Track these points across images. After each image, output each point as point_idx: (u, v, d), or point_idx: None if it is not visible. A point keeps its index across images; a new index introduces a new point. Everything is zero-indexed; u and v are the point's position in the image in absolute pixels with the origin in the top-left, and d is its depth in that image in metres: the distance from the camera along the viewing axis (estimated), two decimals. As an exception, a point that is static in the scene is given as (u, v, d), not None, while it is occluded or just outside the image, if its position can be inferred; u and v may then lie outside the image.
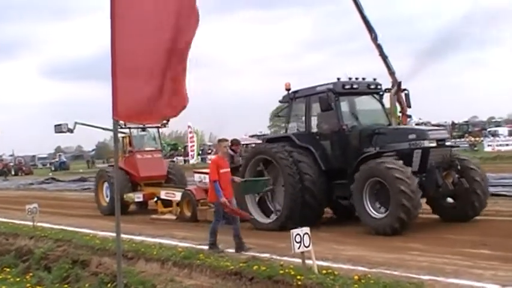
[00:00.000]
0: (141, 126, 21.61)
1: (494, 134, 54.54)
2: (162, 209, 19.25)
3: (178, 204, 18.42)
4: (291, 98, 15.59)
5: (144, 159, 21.25)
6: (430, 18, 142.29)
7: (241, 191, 13.46)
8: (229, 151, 15.93)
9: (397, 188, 11.98)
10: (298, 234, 8.60)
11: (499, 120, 74.39)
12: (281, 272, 8.57)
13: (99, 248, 12.21)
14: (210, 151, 49.17)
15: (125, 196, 19.78)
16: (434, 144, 13.35)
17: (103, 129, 23.35)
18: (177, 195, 18.71)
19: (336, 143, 14.48)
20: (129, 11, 6.63)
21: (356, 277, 8.07)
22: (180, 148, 72.09)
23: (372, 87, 15.12)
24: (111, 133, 16.20)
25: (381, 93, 15.46)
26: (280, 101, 16.53)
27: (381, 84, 15.34)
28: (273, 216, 14.58)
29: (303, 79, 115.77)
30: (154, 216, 19.00)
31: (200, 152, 49.29)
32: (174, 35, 6.72)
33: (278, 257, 10.44)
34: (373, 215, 12.77)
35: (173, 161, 36.99)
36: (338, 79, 14.58)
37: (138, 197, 20.29)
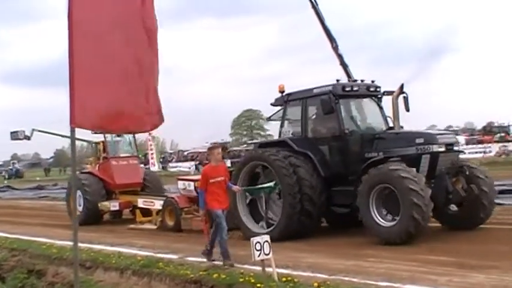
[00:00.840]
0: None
1: None
2: (141, 219, 18.55)
3: (158, 213, 17.79)
4: (285, 100, 14.91)
5: (119, 165, 20.38)
6: (389, 29, 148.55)
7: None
8: None
9: (410, 200, 11.41)
10: (258, 242, 8.74)
11: (456, 129, 76.20)
12: (241, 280, 8.74)
13: (56, 257, 12.20)
14: (171, 159, 49.16)
15: (99, 204, 19.25)
16: (443, 149, 12.84)
17: (62, 136, 22.46)
18: (157, 204, 18.05)
19: (336, 147, 13.88)
20: (86, 16, 6.60)
21: (316, 284, 8.24)
22: (141, 156, 71.46)
23: (372, 89, 14.55)
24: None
25: (379, 96, 14.84)
26: (272, 104, 15.60)
27: (379, 87, 14.74)
28: (263, 224, 13.85)
29: (266, 86, 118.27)
30: (132, 225, 18.22)
31: (161, 160, 49.41)
32: (135, 45, 6.79)
33: (238, 265, 10.44)
34: (380, 223, 12.21)
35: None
36: (337, 81, 14.05)
37: (114, 205, 19.44)
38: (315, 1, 16.61)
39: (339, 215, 13.98)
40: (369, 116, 14.68)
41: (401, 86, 14.19)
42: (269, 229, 13.30)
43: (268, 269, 8.90)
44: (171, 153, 64.58)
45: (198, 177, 17.01)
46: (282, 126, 14.91)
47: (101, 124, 7.26)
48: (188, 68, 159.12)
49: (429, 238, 12.35)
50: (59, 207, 26.02)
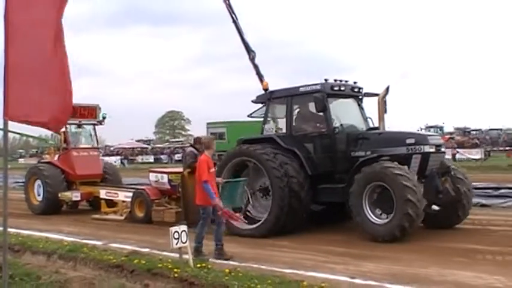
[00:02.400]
0: (77, 122, 20.70)
1: None
2: (105, 209, 18.62)
3: (125, 204, 17.88)
4: (268, 98, 15.06)
5: (80, 156, 20.36)
6: (300, 45, 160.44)
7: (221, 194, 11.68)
8: (194, 150, 15.79)
9: (404, 196, 11.57)
10: (176, 231, 9.33)
11: None
12: (160, 265, 9.32)
13: None
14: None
15: (60, 195, 19.29)
16: (433, 150, 13.08)
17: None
18: (121, 195, 18.24)
19: (323, 145, 13.92)
20: (20, 20, 7.31)
21: (227, 270, 8.91)
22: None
23: (355, 90, 14.77)
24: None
25: (361, 97, 15.07)
26: (253, 101, 15.64)
27: (362, 88, 14.97)
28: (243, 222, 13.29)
29: (188, 91, 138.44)
30: (96, 216, 18.22)
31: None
32: (53, 45, 7.47)
33: (157, 252, 11.08)
34: (373, 220, 12.30)
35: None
36: (326, 80, 14.04)
37: (75, 195, 19.44)
38: (235, 16, 17.45)
39: (317, 213, 14.25)
40: (352, 115, 14.79)
41: (387, 88, 14.63)
42: (255, 225, 13.46)
43: (184, 256, 9.49)
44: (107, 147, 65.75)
45: (170, 169, 18.03)
46: (264, 123, 15.01)
47: (27, 118, 7.76)
48: (120, 71, 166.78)
49: (330, 231, 13.45)
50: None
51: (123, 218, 17.48)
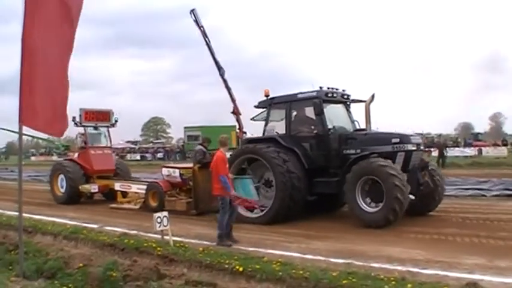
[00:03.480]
0: (94, 125, 22.69)
1: None
2: (121, 199, 20.62)
3: (138, 194, 19.71)
4: (269, 103, 16.19)
5: (96, 154, 22.38)
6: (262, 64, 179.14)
7: (236, 188, 12.94)
8: (203, 148, 17.70)
9: (392, 182, 12.70)
10: (159, 216, 10.89)
11: None
12: (145, 244, 10.72)
13: (5, 223, 14.35)
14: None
15: (80, 187, 21.27)
16: (415, 148, 14.25)
17: (12, 131, 24.40)
18: (133, 187, 20.22)
19: (319, 144, 15.00)
20: (35, 40, 8.30)
21: (201, 249, 10.35)
22: (71, 148, 76.49)
23: (345, 97, 16.04)
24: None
25: (348, 102, 16.36)
26: (256, 106, 16.94)
27: (350, 95, 16.24)
28: (257, 211, 14.79)
29: (169, 101, 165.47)
30: (113, 205, 20.13)
31: None
32: (65, 62, 8.85)
33: (144, 233, 12.64)
34: (366, 209, 13.38)
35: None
36: (321, 87, 15.29)
37: (94, 188, 21.39)
38: (208, 39, 19.35)
39: (311, 202, 15.57)
40: (342, 118, 16.05)
41: (373, 95, 15.51)
42: (261, 214, 14.71)
43: (166, 237, 10.95)
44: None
45: (182, 165, 20.13)
46: (266, 125, 16.26)
47: (43, 128, 9.18)
48: (114, 83, 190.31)
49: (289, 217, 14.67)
50: (8, 185, 29.85)
51: (137, 207, 19.17)
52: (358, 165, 13.64)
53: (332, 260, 9.91)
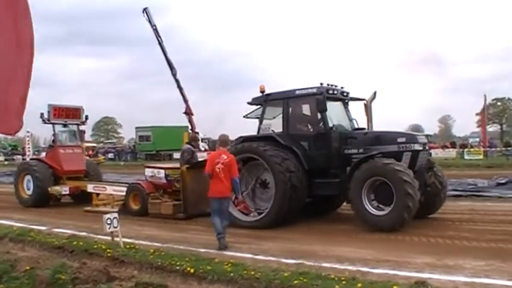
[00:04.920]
0: (63, 122, 21.53)
1: None
2: (96, 202, 19.37)
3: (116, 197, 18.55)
4: (265, 100, 15.31)
5: (66, 154, 21.11)
6: (218, 64, 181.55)
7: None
8: (191, 147, 16.98)
9: (405, 190, 12.11)
10: (109, 217, 10.75)
11: None
12: (95, 246, 10.61)
13: None
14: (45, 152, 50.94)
15: (49, 189, 20.05)
16: (421, 148, 13.69)
17: None
18: (109, 189, 19.08)
19: (319, 143, 14.32)
20: None
21: (152, 250, 10.27)
22: (19, 148, 79.05)
23: (345, 94, 15.33)
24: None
25: (347, 100, 15.64)
26: (249, 103, 15.87)
27: (349, 93, 15.51)
28: (255, 214, 14.34)
29: (120, 100, 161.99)
30: (88, 208, 18.72)
31: (36, 153, 52.77)
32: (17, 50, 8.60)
33: (93, 235, 12.50)
34: (372, 212, 12.78)
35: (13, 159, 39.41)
36: (321, 84, 14.52)
37: (65, 190, 20.18)
38: (161, 39, 19.33)
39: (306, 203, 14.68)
40: (341, 116, 15.37)
41: (374, 93, 15.14)
42: (258, 217, 14.10)
43: (116, 239, 10.87)
44: (43, 147, 67.04)
45: (167, 165, 19.07)
46: (261, 123, 15.35)
47: None
48: (65, 83, 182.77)
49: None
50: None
51: (116, 210, 17.23)
52: (365, 165, 13.06)
53: (283, 260, 9.96)
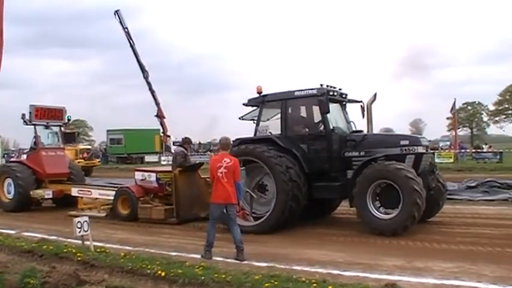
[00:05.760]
0: (45, 123, 20.81)
1: None
2: (82, 206, 18.84)
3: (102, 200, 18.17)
4: (261, 101, 14.91)
5: (48, 156, 20.39)
6: (191, 67, 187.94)
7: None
8: (184, 150, 16.56)
9: (411, 187, 11.97)
10: (79, 221, 10.66)
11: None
12: (65, 250, 10.47)
13: None
14: (13, 155, 49.89)
15: (31, 192, 19.38)
16: (425, 150, 13.54)
17: None
18: (94, 193, 18.51)
19: (319, 145, 14.05)
20: None
21: (123, 254, 10.16)
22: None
23: (343, 96, 15.02)
24: None
25: (344, 102, 15.34)
26: (245, 104, 15.42)
27: (347, 94, 15.24)
28: (250, 219, 13.99)
29: (92, 103, 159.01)
30: (73, 213, 17.61)
31: (5, 156, 51.94)
32: None
33: (63, 239, 12.38)
34: (379, 216, 12.60)
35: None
36: (321, 85, 14.14)
37: (48, 193, 19.55)
38: (133, 41, 19.23)
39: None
40: (339, 119, 15.00)
41: (375, 95, 14.91)
42: (257, 222, 13.68)
43: (86, 243, 10.77)
44: (13, 151, 66.19)
45: (158, 168, 18.53)
46: (258, 125, 14.93)
47: None
48: (38, 83, 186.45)
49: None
50: None
51: (103, 215, 17.41)
52: (370, 168, 12.85)
53: (255, 263, 9.98)
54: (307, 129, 14.64)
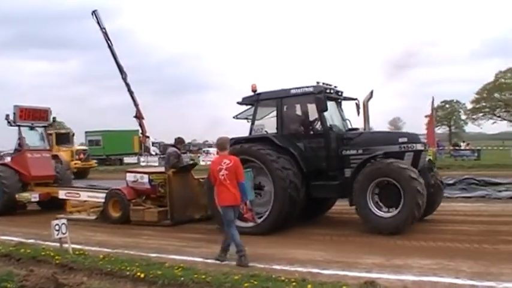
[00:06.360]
0: (30, 124, 20.24)
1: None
2: (70, 209, 18.42)
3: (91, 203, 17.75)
4: (256, 100, 14.64)
5: (34, 158, 19.87)
6: (170, 67, 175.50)
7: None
8: (177, 150, 16.21)
9: (414, 188, 11.90)
10: (57, 224, 10.58)
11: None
12: (43, 253, 10.38)
13: None
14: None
15: (17, 196, 18.96)
16: (423, 148, 13.48)
17: None
18: (83, 195, 18.22)
19: (317, 144, 13.88)
20: None
21: (101, 256, 10.11)
22: None
23: (339, 94, 14.89)
24: None
25: (340, 100, 15.21)
26: (239, 103, 15.10)
27: (343, 92, 15.10)
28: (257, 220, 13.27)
29: (70, 104, 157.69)
30: (61, 215, 15.75)
31: None
32: None
33: (42, 242, 12.23)
34: (379, 214, 12.51)
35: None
36: (318, 83, 13.97)
37: (34, 196, 19.04)
38: (111, 42, 19.10)
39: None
40: (335, 117, 14.79)
41: (371, 92, 14.63)
42: (256, 223, 13.11)
43: (65, 245, 10.69)
44: None
45: (150, 169, 18.38)
46: (253, 124, 14.65)
47: None
48: (16, 84, 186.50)
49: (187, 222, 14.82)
50: None
51: (93, 218, 17.07)
52: (371, 166, 12.76)
53: (234, 263, 9.94)
54: (303, 128, 14.50)
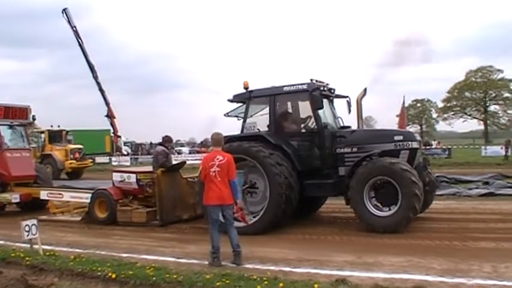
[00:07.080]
0: (9, 123, 19.68)
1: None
2: (54, 210, 17.84)
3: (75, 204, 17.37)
4: (248, 97, 14.38)
5: (14, 158, 19.23)
6: (141, 66, 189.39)
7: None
8: (165, 149, 15.75)
9: (412, 191, 11.83)
10: (27, 224, 10.43)
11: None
12: (13, 255, 10.29)
13: None
14: None
15: None
16: (418, 146, 13.44)
17: None
18: (66, 196, 17.68)
19: (311, 142, 13.77)
20: None
21: (72, 257, 10.05)
22: None
23: (332, 92, 14.70)
24: None
25: (332, 98, 14.99)
26: (230, 100, 14.87)
27: (335, 90, 14.91)
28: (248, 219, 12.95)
29: (41, 104, 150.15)
30: (44, 217, 16.62)
31: None
32: None
33: (11, 243, 12.08)
34: (375, 213, 12.40)
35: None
36: (311, 80, 13.82)
37: (15, 197, 18.36)
38: (81, 40, 18.92)
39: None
40: (327, 114, 14.58)
41: (365, 89, 14.43)
42: (251, 222, 12.99)
43: (35, 246, 10.56)
44: None
45: (138, 169, 17.63)
46: (245, 121, 14.39)
47: None
48: None
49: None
50: None
51: (78, 219, 16.52)
52: (370, 164, 12.68)
53: (206, 263, 9.95)
54: (297, 126, 14.28)
